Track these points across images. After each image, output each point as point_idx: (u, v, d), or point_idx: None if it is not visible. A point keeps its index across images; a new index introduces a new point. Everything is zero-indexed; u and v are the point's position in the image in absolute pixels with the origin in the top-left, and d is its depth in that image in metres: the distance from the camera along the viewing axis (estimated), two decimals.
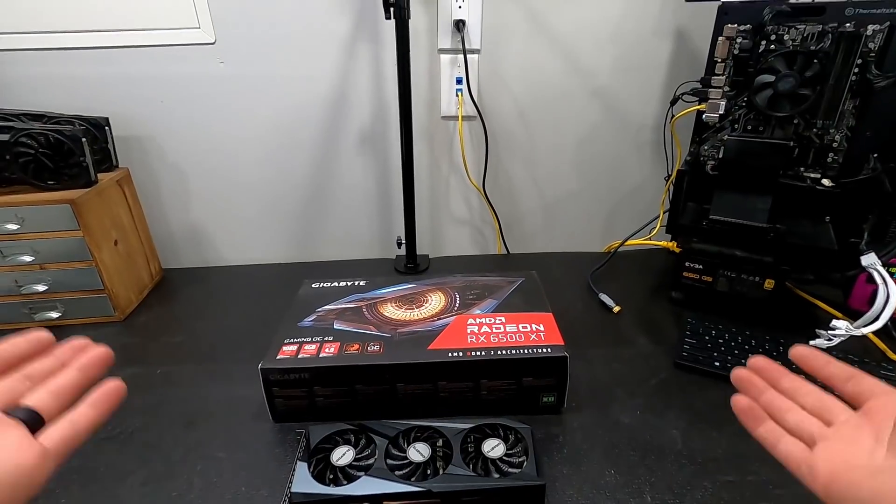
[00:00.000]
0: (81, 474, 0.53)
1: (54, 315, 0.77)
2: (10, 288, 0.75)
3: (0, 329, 0.77)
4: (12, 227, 0.71)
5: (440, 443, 0.51)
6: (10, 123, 0.70)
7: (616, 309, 0.78)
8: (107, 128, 0.81)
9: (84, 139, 0.72)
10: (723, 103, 0.69)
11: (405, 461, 0.49)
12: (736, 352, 0.65)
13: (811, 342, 0.65)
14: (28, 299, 0.76)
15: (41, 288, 0.75)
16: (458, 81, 0.88)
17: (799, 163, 0.70)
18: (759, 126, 0.70)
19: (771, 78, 0.66)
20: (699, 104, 0.74)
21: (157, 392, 0.64)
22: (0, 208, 0.70)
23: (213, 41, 0.83)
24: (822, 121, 0.67)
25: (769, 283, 0.71)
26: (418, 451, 0.49)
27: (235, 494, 0.50)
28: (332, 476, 0.48)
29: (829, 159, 0.68)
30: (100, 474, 0.53)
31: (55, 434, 0.31)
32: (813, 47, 0.64)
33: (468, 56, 0.85)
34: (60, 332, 0.78)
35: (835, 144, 0.68)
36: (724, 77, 0.69)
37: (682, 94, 0.78)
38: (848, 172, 0.67)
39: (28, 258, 0.73)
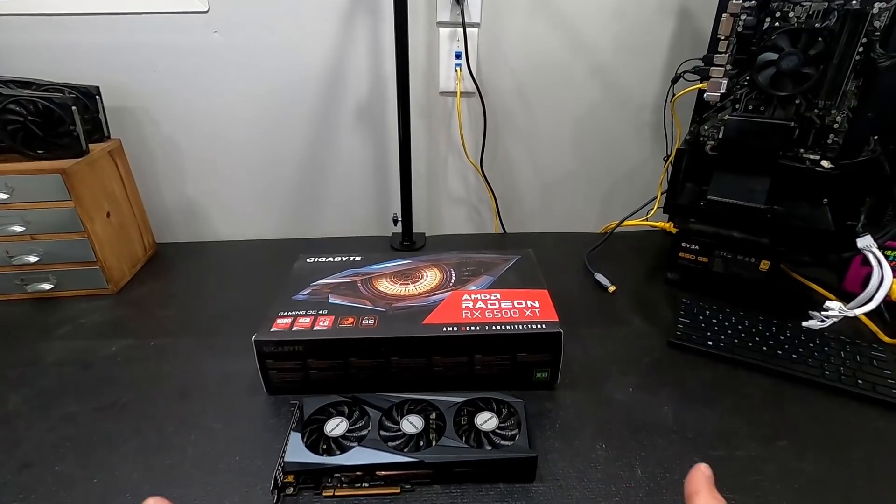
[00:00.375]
0: (75, 443, 0.53)
1: (46, 287, 0.77)
2: (1, 259, 0.74)
3: None
4: (2, 196, 0.70)
5: (433, 415, 0.51)
6: None
7: (611, 289, 0.78)
8: (97, 97, 0.79)
9: (74, 107, 0.70)
10: (724, 82, 0.68)
11: (398, 433, 0.49)
12: (729, 332, 0.66)
13: (804, 323, 0.66)
14: (20, 270, 0.75)
15: (33, 259, 0.74)
16: (457, 56, 0.86)
17: (799, 144, 0.69)
18: (761, 106, 0.69)
19: (774, 56, 0.65)
20: (701, 83, 0.73)
21: (151, 364, 0.64)
22: None
23: (206, 9, 0.81)
24: (824, 101, 0.66)
25: (765, 265, 0.71)
26: (411, 423, 0.50)
27: (229, 464, 0.50)
28: (325, 446, 0.48)
29: (830, 140, 0.68)
30: (94, 444, 0.53)
31: None
32: (818, 25, 0.63)
33: (468, 30, 0.83)
34: (53, 304, 0.78)
35: (836, 125, 0.67)
36: (726, 55, 0.68)
37: (684, 72, 0.77)
38: (848, 154, 0.67)
39: (19, 228, 0.72)
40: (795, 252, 0.73)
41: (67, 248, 0.75)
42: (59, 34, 0.81)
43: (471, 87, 0.88)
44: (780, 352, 0.62)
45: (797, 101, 0.67)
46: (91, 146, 0.76)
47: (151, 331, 0.70)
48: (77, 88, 0.77)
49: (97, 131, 0.80)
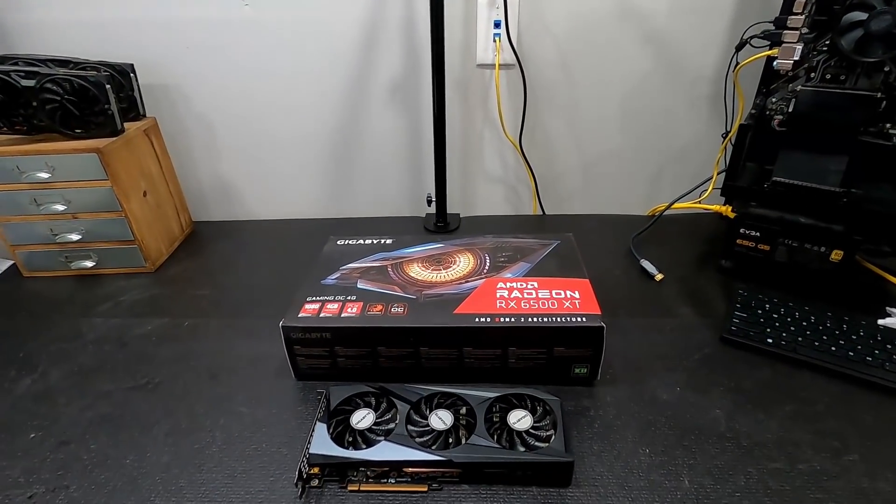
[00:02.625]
0: (110, 421, 0.53)
1: (89, 264, 0.78)
2: (46, 236, 0.76)
3: (39, 276, 0.79)
4: (44, 175, 0.71)
5: (463, 411, 0.49)
6: (36, 69, 0.69)
7: (658, 277, 0.73)
8: (132, 75, 0.79)
9: (108, 86, 0.70)
10: (799, 48, 0.60)
11: (426, 428, 0.47)
12: (792, 328, 0.59)
13: (880, 321, 0.59)
14: (63, 248, 0.77)
15: (75, 237, 0.76)
16: (496, 25, 0.81)
17: (885, 118, 0.61)
18: (841, 74, 0.61)
19: (863, 16, 0.56)
20: (770, 49, 0.65)
21: (184, 344, 0.64)
22: (31, 156, 0.70)
23: None
24: None
25: (836, 255, 0.64)
26: (440, 419, 0.47)
27: (256, 450, 0.49)
28: (350, 439, 0.47)
29: None
30: (126, 423, 0.53)
31: None
32: None
33: None
34: (95, 280, 0.80)
35: None
36: (803, 16, 0.60)
37: (751, 37, 0.69)
38: None
39: (61, 207, 0.73)
40: (874, 241, 0.65)
41: (107, 226, 0.76)
42: (94, 11, 0.80)
43: (510, 58, 0.82)
44: (851, 353, 0.56)
45: (886, 69, 0.58)
46: (126, 125, 0.76)
47: (185, 310, 0.71)
48: (112, 66, 0.76)
49: (132, 109, 0.80)
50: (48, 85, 0.68)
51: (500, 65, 0.83)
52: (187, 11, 0.80)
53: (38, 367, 0.61)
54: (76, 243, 0.77)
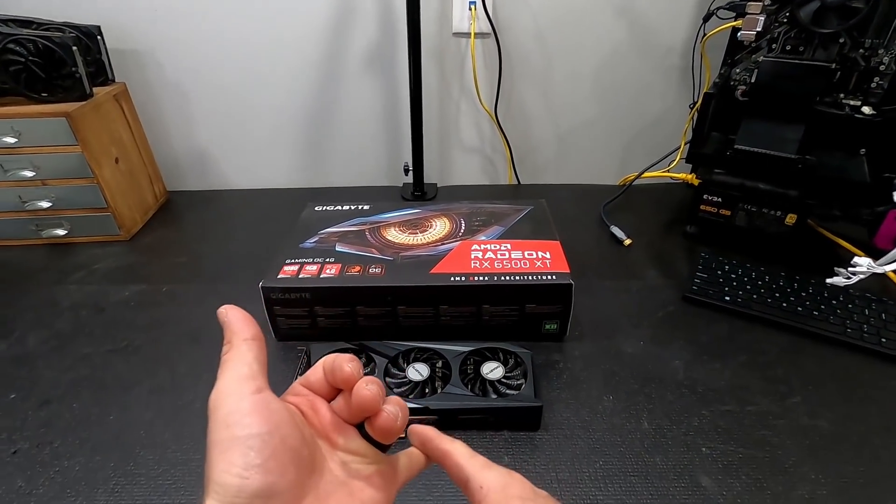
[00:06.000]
0: (90, 382, 0.54)
1: (61, 232, 0.77)
2: (14, 204, 0.74)
3: (8, 245, 0.78)
4: (10, 140, 0.69)
5: (439, 364, 0.51)
6: None
7: (627, 242, 0.76)
8: (99, 37, 0.77)
9: (75, 48, 0.68)
10: (762, 19, 0.63)
11: (404, 380, 0.49)
12: (748, 287, 0.63)
13: (829, 280, 0.63)
14: (34, 216, 0.76)
15: (45, 204, 0.75)
16: None
17: (839, 88, 0.64)
18: (800, 46, 0.64)
19: None
20: (735, 20, 0.68)
21: (163, 309, 0.65)
22: None
23: None
24: (872, 39, 0.60)
25: (791, 218, 0.68)
26: (417, 371, 0.49)
27: None
28: None
29: (874, 84, 0.62)
30: (108, 383, 0.54)
31: None
32: None
33: None
34: (68, 249, 0.79)
35: (882, 67, 0.61)
36: None
37: (717, 8, 0.71)
38: (892, 99, 0.62)
39: (29, 173, 0.72)
40: (826, 205, 0.69)
41: (78, 193, 0.75)
42: None
43: (486, 27, 0.83)
44: (800, 308, 0.60)
45: (841, 40, 0.61)
46: (95, 90, 0.74)
47: (163, 277, 0.71)
48: (77, 28, 0.74)
49: (101, 74, 0.78)
50: (11, 45, 0.66)
51: (475, 33, 0.84)
52: None
53: (13, 333, 0.61)
54: (47, 211, 0.75)
